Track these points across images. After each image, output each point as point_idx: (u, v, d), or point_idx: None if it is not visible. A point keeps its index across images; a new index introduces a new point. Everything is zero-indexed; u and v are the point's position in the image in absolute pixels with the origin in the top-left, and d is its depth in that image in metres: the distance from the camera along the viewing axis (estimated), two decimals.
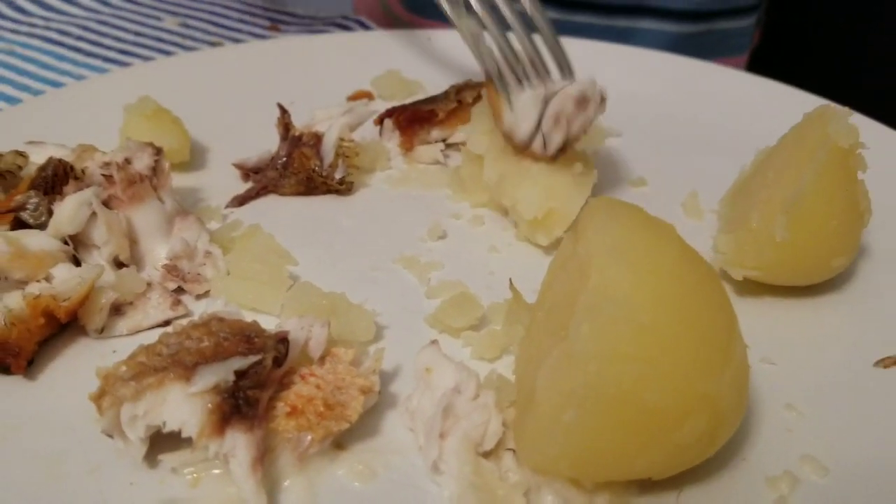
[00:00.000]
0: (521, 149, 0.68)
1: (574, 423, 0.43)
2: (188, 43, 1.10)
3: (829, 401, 0.53)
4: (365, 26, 1.13)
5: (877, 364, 0.56)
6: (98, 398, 0.48)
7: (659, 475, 0.46)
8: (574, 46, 0.93)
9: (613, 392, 0.42)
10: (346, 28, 1.13)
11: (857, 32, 1.69)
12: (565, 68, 0.72)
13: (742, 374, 0.45)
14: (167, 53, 1.07)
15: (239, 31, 1.14)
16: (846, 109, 0.59)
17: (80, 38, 1.09)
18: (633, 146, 0.81)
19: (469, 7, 0.73)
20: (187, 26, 1.14)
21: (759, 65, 1.41)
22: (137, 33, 1.12)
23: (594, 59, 0.91)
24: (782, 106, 0.70)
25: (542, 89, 0.68)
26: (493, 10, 0.73)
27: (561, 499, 0.46)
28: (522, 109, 0.68)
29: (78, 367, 0.55)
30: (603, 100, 0.69)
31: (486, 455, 0.49)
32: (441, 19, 1.32)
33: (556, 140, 0.68)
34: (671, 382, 0.42)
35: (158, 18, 1.16)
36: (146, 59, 1.05)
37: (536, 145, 0.68)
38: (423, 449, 0.49)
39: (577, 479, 0.46)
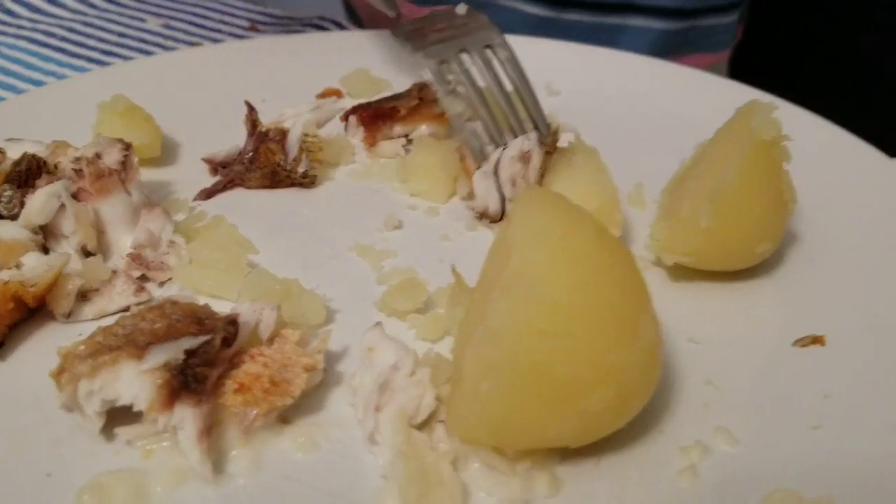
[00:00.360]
0: (500, 219, 0.73)
1: (491, 394, 0.46)
2: (169, 44, 1.14)
3: (746, 377, 0.56)
4: (340, 26, 1.17)
5: (794, 343, 0.59)
6: (57, 375, 0.52)
7: (575, 443, 0.49)
8: (534, 46, 0.97)
9: (526, 364, 0.45)
10: (321, 28, 1.16)
11: (838, 27, 1.71)
12: (544, 130, 0.78)
13: (651, 349, 0.49)
14: (149, 54, 1.10)
15: (219, 31, 1.17)
16: (772, 104, 0.62)
17: (64, 40, 1.13)
18: (588, 139, 0.84)
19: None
20: (169, 27, 1.18)
21: (742, 60, 1.44)
22: (121, 34, 1.16)
23: (552, 58, 0.95)
24: (736, 103, 0.73)
25: (486, 164, 0.73)
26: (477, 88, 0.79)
27: (486, 466, 0.50)
28: (482, 191, 0.73)
29: (46, 349, 0.59)
30: (551, 134, 0.74)
31: (420, 427, 0.52)
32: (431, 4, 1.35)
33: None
34: (579, 355, 0.46)
35: (142, 20, 1.20)
36: (128, 59, 1.09)
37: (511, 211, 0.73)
38: (361, 421, 0.52)
39: (499, 447, 0.49)
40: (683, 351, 0.58)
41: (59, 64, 1.08)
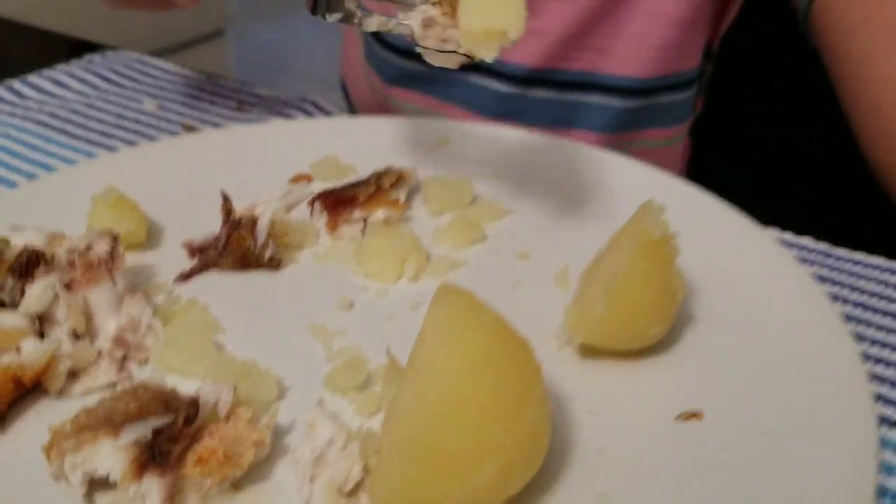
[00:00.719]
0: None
1: (399, 468, 0.57)
2: (163, 124, 1.25)
3: (631, 448, 0.66)
4: (318, 107, 1.28)
5: (676, 418, 0.69)
6: (48, 450, 0.62)
7: None
8: (489, 132, 1.08)
9: (424, 443, 0.56)
10: (303, 109, 1.27)
11: (796, 99, 1.80)
12: None
13: (536, 429, 0.59)
14: (144, 135, 1.22)
15: (208, 111, 1.29)
16: (661, 207, 0.72)
17: (67, 122, 1.25)
18: (527, 223, 0.95)
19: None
20: (164, 108, 1.30)
21: (701, 132, 1.55)
22: (119, 115, 1.27)
23: (504, 144, 1.06)
24: (664, 196, 0.82)
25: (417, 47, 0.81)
26: None
27: None
28: (435, 59, 0.82)
29: (40, 421, 0.69)
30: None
31: (349, 495, 0.62)
32: (413, 88, 1.48)
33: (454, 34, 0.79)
34: (467, 436, 0.56)
35: (139, 101, 1.32)
36: (126, 140, 1.20)
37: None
38: (299, 490, 0.62)
39: None
40: (581, 423, 0.68)
41: (61, 146, 1.19)
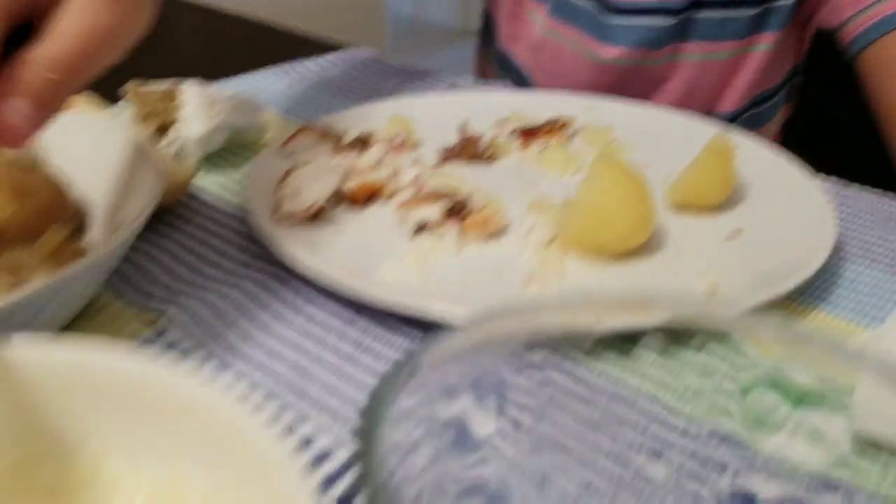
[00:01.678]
0: None
1: (577, 224, 1.16)
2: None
3: None
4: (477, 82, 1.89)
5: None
6: (400, 208, 1.24)
7: None
8: (619, 106, 1.67)
9: (588, 209, 1.15)
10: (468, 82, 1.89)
11: None
12: None
13: (647, 213, 1.17)
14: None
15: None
16: (727, 135, 1.30)
17: (328, 87, 1.90)
18: (649, 155, 1.54)
19: None
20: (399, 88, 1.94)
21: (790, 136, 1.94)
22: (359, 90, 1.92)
23: (630, 113, 1.65)
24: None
25: None
26: None
27: None
28: None
29: (380, 209, 1.32)
30: None
31: (548, 244, 1.21)
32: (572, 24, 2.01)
33: None
34: (610, 209, 1.15)
35: (376, 83, 1.96)
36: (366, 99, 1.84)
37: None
38: (518, 244, 1.22)
39: None
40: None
41: (326, 104, 1.84)
